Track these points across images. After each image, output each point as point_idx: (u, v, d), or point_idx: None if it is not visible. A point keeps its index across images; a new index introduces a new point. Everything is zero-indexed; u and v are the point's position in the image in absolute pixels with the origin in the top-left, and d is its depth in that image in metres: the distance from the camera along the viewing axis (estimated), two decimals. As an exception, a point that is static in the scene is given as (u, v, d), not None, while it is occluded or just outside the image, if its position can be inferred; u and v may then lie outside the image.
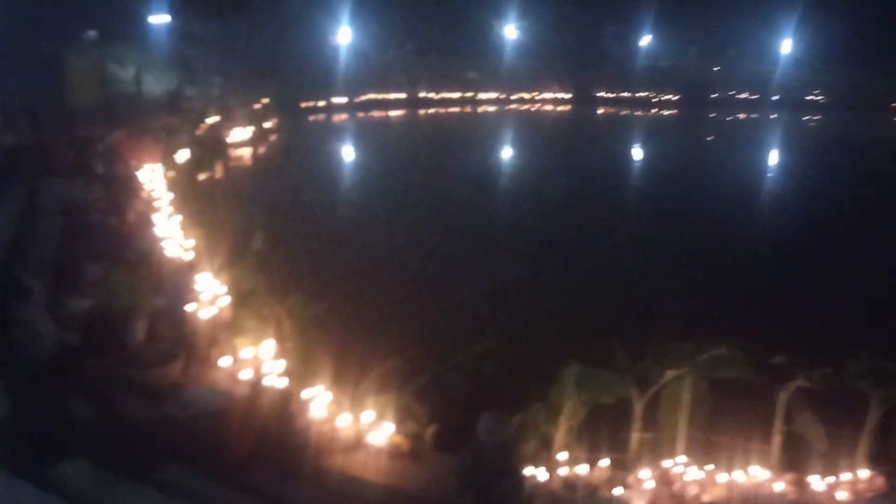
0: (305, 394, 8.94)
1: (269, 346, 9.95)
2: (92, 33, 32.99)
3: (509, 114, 57.11)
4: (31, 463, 6.69)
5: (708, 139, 51.05)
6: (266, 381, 9.07)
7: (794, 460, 8.72)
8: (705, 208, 24.76)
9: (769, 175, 36.88)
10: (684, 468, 8.61)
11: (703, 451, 8.73)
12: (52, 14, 29.12)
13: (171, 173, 20.31)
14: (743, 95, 66.02)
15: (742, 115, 61.65)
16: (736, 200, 26.89)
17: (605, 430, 8.78)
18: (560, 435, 8.55)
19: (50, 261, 12.49)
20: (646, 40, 70.73)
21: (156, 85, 33.27)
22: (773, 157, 43.10)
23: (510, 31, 65.78)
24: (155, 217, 15.55)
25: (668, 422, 8.85)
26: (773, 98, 63.77)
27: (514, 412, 8.37)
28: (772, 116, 60.42)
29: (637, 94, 64.86)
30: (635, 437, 8.80)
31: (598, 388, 8.63)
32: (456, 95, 58.57)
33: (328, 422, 8.66)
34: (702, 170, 33.89)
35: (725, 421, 8.90)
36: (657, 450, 8.78)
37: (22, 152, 17.53)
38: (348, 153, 38.38)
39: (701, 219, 22.98)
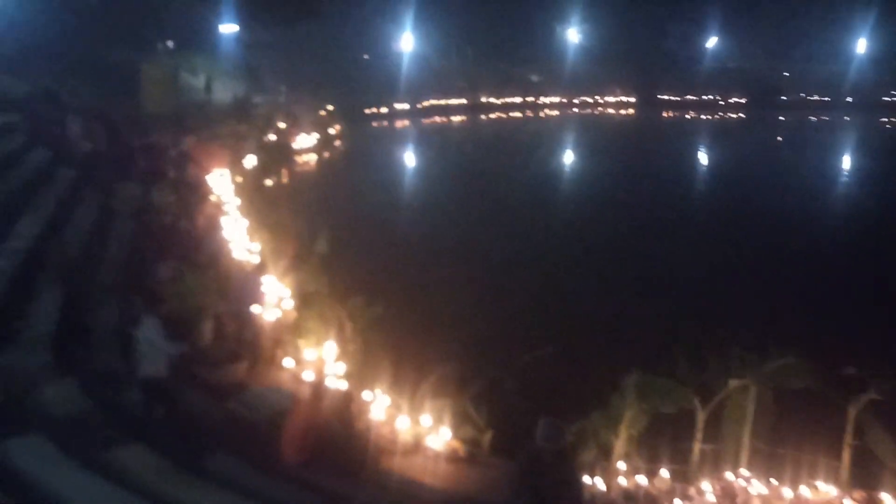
0: (365, 396, 9.07)
1: (331, 347, 10.11)
2: (165, 43, 34.02)
3: (572, 118, 56.71)
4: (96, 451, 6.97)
5: (778, 140, 49.79)
6: (328, 383, 9.21)
7: (863, 477, 8.43)
8: (773, 213, 24.12)
9: (842, 179, 35.74)
10: (747, 481, 8.42)
11: (767, 464, 8.53)
12: (127, 25, 30.18)
13: (239, 178, 20.80)
14: (814, 97, 64.20)
15: (813, 118, 59.93)
16: (806, 205, 26.17)
17: (665, 440, 8.66)
18: (620, 444, 8.47)
19: (124, 261, 12.93)
20: (712, 42, 69.31)
21: (225, 92, 34.12)
22: (847, 161, 41.76)
23: (572, 35, 65.30)
24: (223, 221, 15.94)
25: (732, 433, 8.68)
26: (847, 100, 61.83)
27: (573, 419, 8.32)
28: (845, 118, 58.58)
29: (703, 97, 63.68)
30: (697, 447, 8.65)
31: (659, 397, 8.52)
32: (518, 100, 58.43)
33: (387, 424, 8.77)
34: (771, 174, 33.04)
35: (791, 433, 8.67)
36: (719, 462, 8.62)
37: (99, 157, 18.16)
38: (410, 158, 38.67)
39: (769, 224, 22.41)
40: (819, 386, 8.43)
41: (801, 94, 64.05)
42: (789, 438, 8.66)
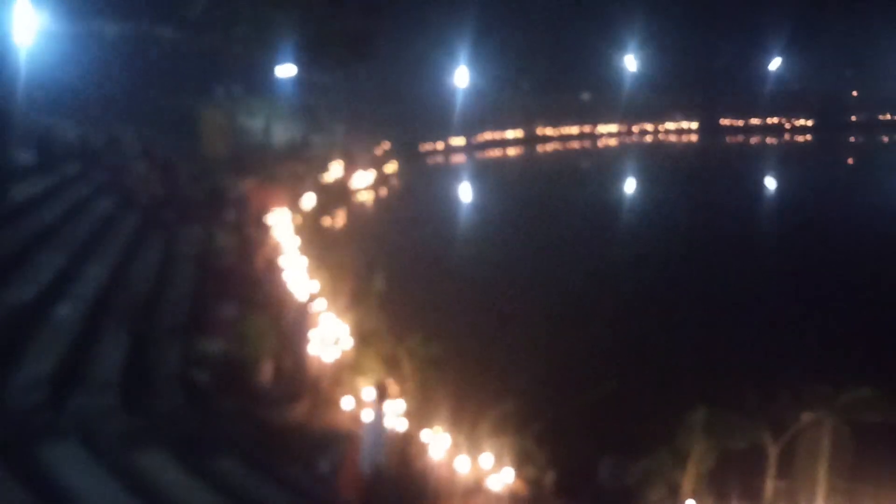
0: (424, 435, 8.97)
1: (390, 386, 10.05)
2: (224, 87, 35.06)
3: (631, 147, 56.15)
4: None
5: (848, 162, 48.37)
6: (386, 423, 9.15)
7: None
8: (846, 239, 23.29)
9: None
10: (825, 519, 8.03)
11: (845, 501, 8.12)
12: (186, 71, 31.20)
13: (298, 218, 21.13)
14: (885, 117, 62.28)
15: (885, 138, 58.11)
16: (881, 229, 25.18)
17: (736, 477, 8.34)
18: (687, 481, 8.17)
19: (186, 303, 13.18)
20: (775, 63, 67.90)
21: (283, 134, 34.85)
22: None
23: (630, 62, 64.83)
24: (282, 261, 16.16)
25: (806, 469, 8.31)
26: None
27: (638, 457, 8.09)
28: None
29: (768, 121, 62.34)
30: (770, 484, 8.30)
31: (727, 432, 8.25)
32: (575, 130, 58.18)
33: (447, 465, 8.64)
34: (842, 198, 31.95)
35: (870, 468, 8.25)
36: (794, 499, 8.24)
37: (162, 202, 18.70)
38: (467, 193, 38.76)
39: (841, 250, 21.62)
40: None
41: (872, 114, 62.25)
42: (868, 474, 8.24)
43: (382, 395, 8.61)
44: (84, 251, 12.81)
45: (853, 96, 64.40)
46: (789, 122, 62.39)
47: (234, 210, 19.44)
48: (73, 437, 7.69)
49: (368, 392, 9.82)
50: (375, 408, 8.32)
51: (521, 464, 8.60)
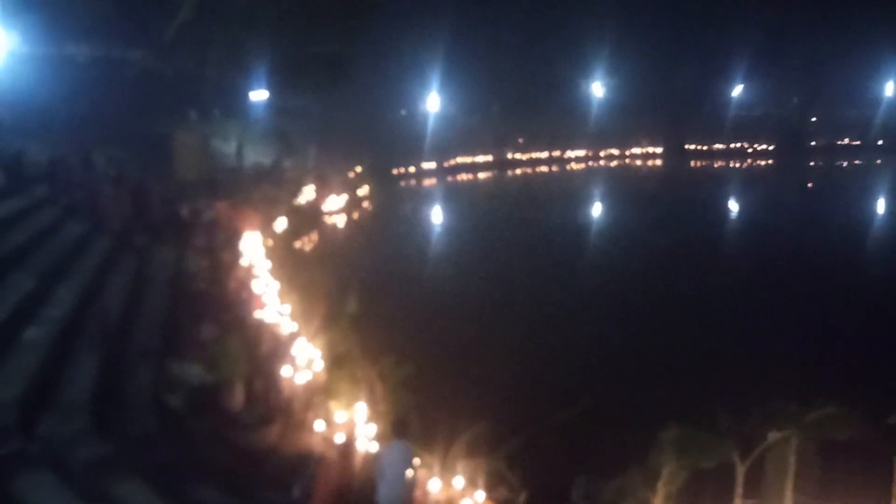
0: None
1: (361, 408, 10.07)
2: (197, 111, 35.02)
3: (598, 171, 56.90)
4: None
5: (808, 186, 49.44)
6: (358, 446, 9.16)
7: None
8: (808, 260, 23.81)
9: (877, 223, 35.26)
10: (792, 536, 8.15)
11: (812, 517, 8.26)
12: (159, 94, 31.14)
13: (270, 241, 21.07)
14: (844, 142, 63.82)
15: (844, 163, 59.46)
16: (841, 250, 25.78)
17: (706, 495, 8.44)
18: (658, 500, 8.26)
19: (158, 326, 13.09)
20: (738, 90, 69.49)
21: (256, 157, 34.85)
22: (881, 204, 41.25)
23: (597, 88, 65.93)
24: (254, 284, 16.11)
25: (774, 486, 8.44)
26: (878, 143, 61.41)
27: (610, 476, 8.17)
28: (876, 162, 58.06)
29: (731, 146, 63.59)
30: (738, 502, 8.41)
31: (698, 452, 8.34)
32: (544, 154, 58.86)
33: (419, 486, 8.65)
34: (803, 220, 32.69)
35: (837, 485, 8.40)
36: (762, 516, 8.37)
37: (133, 225, 18.58)
38: (438, 217, 38.96)
39: (804, 271, 22.10)
40: (864, 435, 8.20)
41: (831, 139, 63.77)
42: (834, 491, 8.39)
43: (403, 430, 7.93)
44: (54, 274, 12.68)
45: (812, 122, 66.00)
46: (751, 146, 63.73)
47: (206, 233, 19.36)
48: (43, 463, 7.59)
49: (359, 414, 9.81)
50: (395, 447, 7.74)
51: (493, 485, 8.63)
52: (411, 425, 8.45)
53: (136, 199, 19.32)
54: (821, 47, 62.36)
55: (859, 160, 59.67)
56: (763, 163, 61.49)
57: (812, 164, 59.15)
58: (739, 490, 8.41)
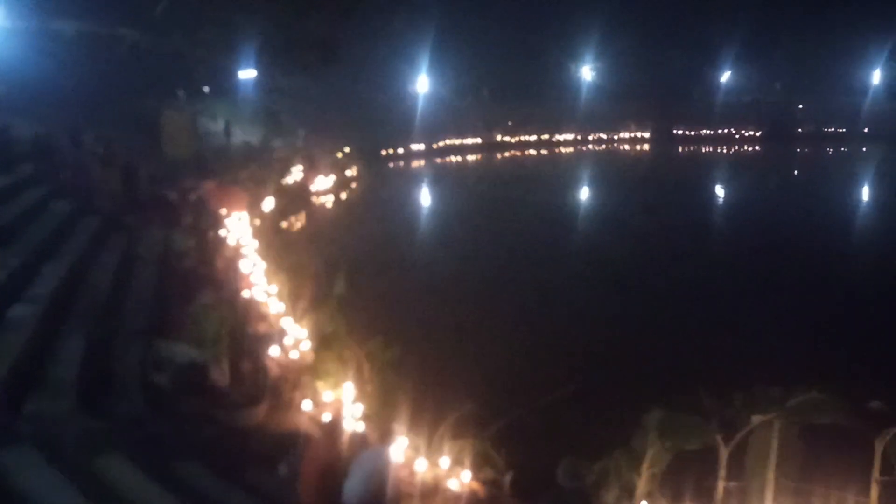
0: (383, 438, 9.03)
1: (348, 389, 10.11)
2: (186, 89, 34.74)
3: (587, 154, 56.90)
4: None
5: (794, 172, 49.72)
6: (345, 425, 9.19)
7: (892, 512, 8.25)
8: (794, 246, 23.96)
9: (862, 210, 35.51)
10: (774, 519, 8.26)
11: (794, 501, 8.35)
12: (148, 72, 30.86)
13: (258, 221, 21.02)
14: (831, 129, 64.08)
15: (830, 150, 59.72)
16: (826, 237, 25.95)
17: (689, 478, 8.53)
18: (642, 483, 8.34)
19: (146, 305, 13.06)
20: (726, 76, 69.59)
21: (244, 137, 34.67)
22: (866, 191, 41.52)
23: (586, 72, 65.85)
24: (242, 264, 16.09)
25: (757, 470, 8.52)
26: (863, 130, 61.68)
27: (595, 458, 8.23)
28: (862, 149, 58.34)
29: (719, 131, 63.73)
30: (721, 485, 8.50)
31: (682, 434, 8.40)
32: (532, 138, 58.80)
33: (406, 467, 8.71)
34: (788, 206, 32.90)
35: (818, 469, 8.50)
36: (745, 499, 8.45)
37: (121, 203, 18.47)
38: (426, 198, 38.91)
39: (790, 257, 22.25)
40: (845, 420, 8.28)
41: (818, 127, 64.00)
42: (816, 475, 8.49)
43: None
44: (41, 253, 12.61)
45: (799, 108, 66.20)
46: (739, 132, 63.89)
47: (194, 212, 19.29)
48: (30, 442, 7.59)
49: (346, 394, 9.84)
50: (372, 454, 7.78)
51: (479, 466, 8.69)
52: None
53: (123, 178, 19.22)
54: (809, 34, 62.57)
55: (845, 148, 59.93)
56: (750, 149, 61.67)
57: (799, 150, 59.37)
58: (723, 472, 8.49)
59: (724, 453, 8.51)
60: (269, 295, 14.11)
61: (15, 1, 23.19)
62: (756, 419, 8.47)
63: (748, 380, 8.82)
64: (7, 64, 21.84)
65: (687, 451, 8.44)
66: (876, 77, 66.57)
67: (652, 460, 8.34)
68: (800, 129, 64.24)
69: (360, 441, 8.68)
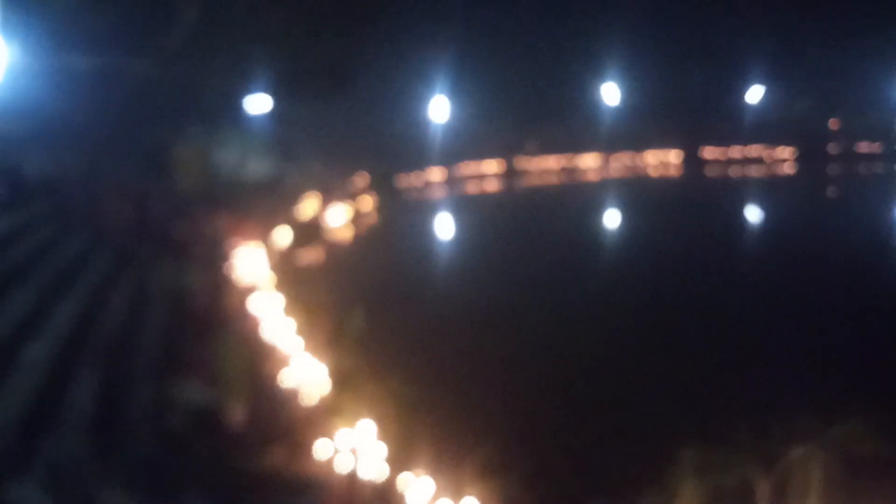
0: (405, 479, 8.71)
1: (368, 428, 9.78)
2: (199, 121, 34.88)
3: (612, 181, 56.40)
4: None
5: (828, 195, 49.21)
6: (364, 466, 8.89)
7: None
8: (832, 272, 23.36)
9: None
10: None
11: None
12: (161, 104, 31.04)
13: (273, 254, 20.87)
14: (864, 149, 63.37)
15: (864, 170, 59.11)
16: (863, 262, 25.34)
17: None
18: (678, 522, 7.99)
19: (160, 343, 12.87)
20: (755, 93, 68.45)
21: (258, 168, 34.69)
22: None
23: (610, 92, 65.15)
24: (257, 299, 15.88)
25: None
26: (896, 150, 61.03)
27: (626, 497, 7.92)
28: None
29: (749, 153, 63.10)
30: (761, 523, 8.14)
31: (717, 470, 8.10)
32: (555, 163, 58.49)
33: (431, 509, 8.39)
34: (825, 232, 32.17)
35: (861, 502, 8.13)
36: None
37: (135, 237, 18.39)
38: (445, 231, 38.65)
39: (826, 284, 21.69)
40: (887, 450, 7.96)
41: (850, 144, 63.30)
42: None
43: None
44: (55, 290, 12.47)
45: (831, 126, 65.47)
46: (770, 152, 63.25)
47: (208, 246, 19.17)
48: (41, 482, 7.39)
49: (365, 434, 9.53)
50: None
51: (506, 507, 8.36)
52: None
53: (136, 212, 19.17)
54: (839, 51, 61.82)
55: (878, 168, 59.31)
56: (782, 170, 61.07)
57: (831, 171, 58.80)
58: (763, 509, 8.14)
59: (762, 489, 8.18)
60: (285, 331, 13.85)
61: (25, 36, 23.41)
62: (795, 451, 8.17)
63: (786, 411, 8.51)
64: (19, 100, 21.97)
65: (724, 487, 8.13)
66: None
67: (687, 498, 8.02)
68: (832, 149, 63.57)
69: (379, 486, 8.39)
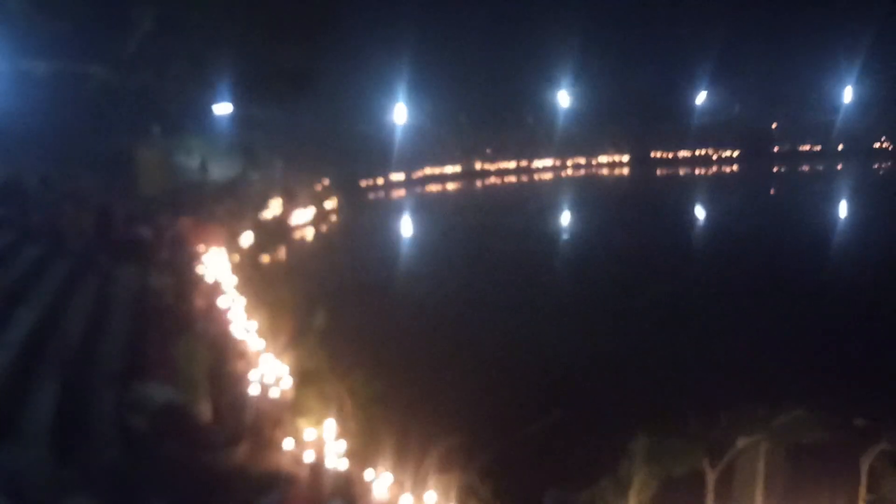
0: (367, 475, 8.86)
1: (331, 425, 9.92)
2: (159, 126, 34.55)
3: (566, 180, 57.20)
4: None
5: (771, 192, 50.30)
6: (328, 463, 9.02)
7: (881, 530, 8.20)
8: (775, 265, 24.11)
9: (839, 227, 35.89)
10: (764, 542, 8.18)
11: (782, 522, 8.30)
12: (120, 109, 30.70)
13: (236, 257, 20.83)
14: (806, 147, 64.87)
15: (806, 168, 60.46)
16: (807, 255, 26.12)
17: (677, 503, 8.44)
18: (630, 509, 8.24)
19: (122, 347, 12.83)
20: (701, 97, 70.26)
21: (220, 171, 34.46)
22: (843, 209, 42.00)
23: (563, 97, 66.26)
24: (220, 301, 15.88)
25: (744, 491, 8.46)
26: (838, 148, 62.55)
27: (582, 487, 8.14)
28: (838, 167, 59.14)
29: (696, 153, 64.34)
30: (709, 509, 8.43)
31: (668, 459, 8.34)
32: (511, 165, 59.10)
33: (391, 503, 8.54)
34: (766, 226, 33.13)
35: (806, 489, 8.46)
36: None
37: (95, 243, 18.23)
38: (407, 229, 38.84)
39: (771, 276, 22.37)
40: (831, 438, 8.27)
41: (793, 145, 64.78)
42: (804, 494, 8.45)
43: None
44: (12, 298, 12.38)
45: (773, 128, 67.03)
46: (716, 153, 64.55)
47: (170, 250, 19.08)
48: (2, 491, 7.38)
49: (328, 431, 9.66)
50: None
51: (465, 499, 8.55)
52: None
53: (97, 218, 19.00)
54: (781, 53, 63.39)
55: (820, 165, 60.69)
56: (728, 169, 62.30)
57: (775, 169, 60.07)
58: (710, 496, 8.42)
59: (711, 476, 8.45)
60: (248, 332, 13.91)
61: (-16, 44, 23.05)
62: (742, 440, 8.43)
63: (733, 400, 8.80)
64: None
65: (674, 476, 8.37)
66: (848, 94, 67.58)
67: (639, 487, 8.25)
68: (775, 148, 64.98)
69: (342, 481, 8.53)
